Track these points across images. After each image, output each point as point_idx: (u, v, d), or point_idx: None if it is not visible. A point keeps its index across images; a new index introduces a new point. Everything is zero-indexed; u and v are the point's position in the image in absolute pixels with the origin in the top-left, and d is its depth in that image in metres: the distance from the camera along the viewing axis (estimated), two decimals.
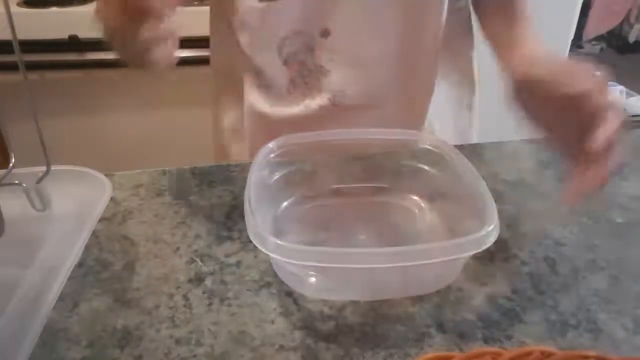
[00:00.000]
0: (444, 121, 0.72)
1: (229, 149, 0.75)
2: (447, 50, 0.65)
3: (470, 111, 0.75)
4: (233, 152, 0.74)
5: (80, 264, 0.42)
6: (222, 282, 0.41)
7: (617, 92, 2.16)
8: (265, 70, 0.63)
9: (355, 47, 0.61)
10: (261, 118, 0.67)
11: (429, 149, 0.49)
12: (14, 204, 0.43)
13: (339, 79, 0.63)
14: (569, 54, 1.55)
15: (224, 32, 0.67)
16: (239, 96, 0.69)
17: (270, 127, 0.67)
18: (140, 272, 0.42)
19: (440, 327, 0.37)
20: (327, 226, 0.47)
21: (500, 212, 0.40)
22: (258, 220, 0.37)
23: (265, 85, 0.64)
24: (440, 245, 0.36)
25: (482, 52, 0.64)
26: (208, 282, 0.41)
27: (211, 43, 0.71)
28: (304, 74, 0.63)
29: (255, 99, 0.66)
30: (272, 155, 0.48)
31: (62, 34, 1.29)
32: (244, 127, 0.70)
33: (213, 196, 0.52)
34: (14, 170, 0.41)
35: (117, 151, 1.47)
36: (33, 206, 0.44)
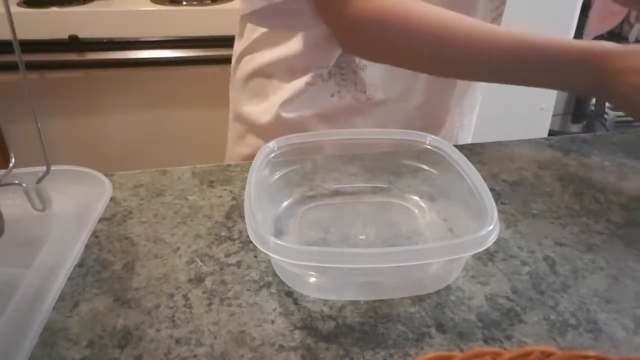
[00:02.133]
0: (466, 119, 0.73)
1: (243, 141, 0.72)
2: None
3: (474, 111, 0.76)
4: (249, 144, 0.71)
5: (80, 264, 0.42)
6: (222, 282, 0.41)
7: None
8: (307, 53, 0.62)
9: None
10: (290, 111, 0.65)
11: (429, 149, 0.49)
12: (14, 204, 0.43)
13: (374, 73, 0.63)
14: None
15: None
16: (268, 90, 0.67)
17: (297, 121, 0.66)
18: (140, 272, 0.42)
19: (440, 327, 0.37)
20: (327, 226, 0.47)
21: (500, 212, 0.40)
22: (258, 220, 0.37)
23: (302, 69, 0.63)
24: (440, 245, 0.36)
25: None
26: (208, 282, 0.41)
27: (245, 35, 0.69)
28: (342, 66, 0.63)
29: (288, 88, 0.65)
30: (272, 155, 0.48)
31: (62, 34, 1.29)
32: (267, 120, 0.68)
33: (213, 196, 0.52)
34: (14, 170, 0.41)
35: (117, 151, 1.47)
36: (33, 206, 0.44)
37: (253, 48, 0.67)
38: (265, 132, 0.67)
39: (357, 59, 0.62)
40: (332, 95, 0.65)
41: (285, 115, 0.65)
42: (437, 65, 0.53)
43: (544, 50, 0.48)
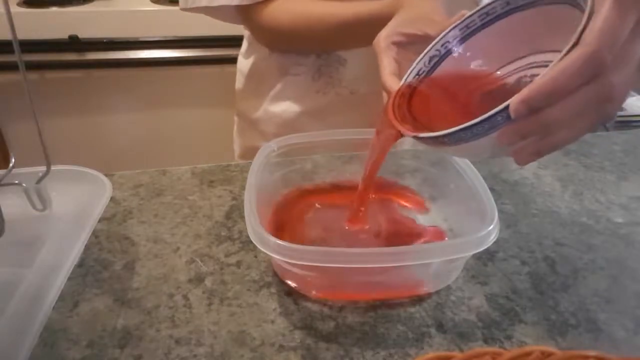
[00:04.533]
0: None
1: (243, 133, 0.78)
2: None
3: None
4: (247, 136, 0.77)
5: (80, 264, 0.42)
6: (222, 282, 0.41)
7: None
8: (299, 56, 0.66)
9: None
10: (281, 114, 0.70)
11: (429, 149, 0.49)
12: (14, 204, 0.43)
13: (355, 67, 0.65)
14: None
15: None
16: (264, 92, 0.71)
17: (287, 122, 0.69)
18: (140, 272, 0.42)
19: (440, 327, 0.37)
20: (327, 225, 0.47)
21: (500, 212, 0.40)
22: (258, 220, 0.37)
23: (294, 72, 0.67)
24: (440, 245, 0.36)
25: None
26: (208, 282, 0.41)
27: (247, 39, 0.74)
28: (330, 63, 0.66)
29: (276, 84, 0.69)
30: (272, 155, 0.48)
31: (62, 34, 1.29)
32: (258, 115, 0.73)
33: (213, 196, 0.52)
34: (14, 170, 0.41)
35: (117, 151, 1.47)
36: (33, 206, 0.44)
37: (250, 49, 0.72)
38: (257, 126, 0.73)
39: (338, 54, 0.65)
40: (318, 92, 0.67)
41: (273, 110, 0.70)
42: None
43: (369, 16, 0.54)
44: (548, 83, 0.28)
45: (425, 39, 0.41)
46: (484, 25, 0.39)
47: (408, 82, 0.39)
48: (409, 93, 0.39)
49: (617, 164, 0.60)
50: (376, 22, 0.48)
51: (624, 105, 2.16)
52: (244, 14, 0.64)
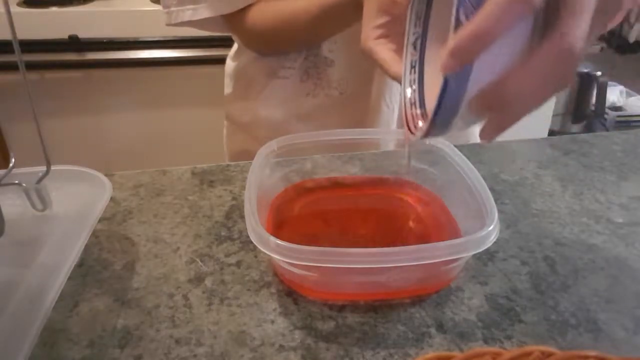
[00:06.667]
0: None
1: (233, 137, 0.78)
2: None
3: None
4: (238, 140, 0.77)
5: (80, 264, 0.42)
6: (222, 282, 0.41)
7: (617, 92, 2.16)
8: (287, 59, 0.66)
9: (351, 38, 0.62)
10: (270, 117, 0.70)
11: (429, 149, 0.49)
12: (14, 204, 0.43)
13: (343, 68, 0.65)
14: None
15: None
16: (255, 95, 0.71)
17: (277, 125, 0.69)
18: (140, 272, 0.42)
19: (440, 327, 0.37)
20: (328, 222, 0.47)
21: (500, 212, 0.40)
22: (258, 220, 0.37)
23: (282, 75, 0.67)
24: (440, 245, 0.36)
25: None
26: (208, 282, 0.41)
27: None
28: (318, 65, 0.66)
29: (265, 87, 0.69)
30: (272, 155, 0.48)
31: (62, 34, 1.29)
32: (248, 119, 0.73)
33: (213, 196, 0.52)
34: (14, 170, 0.41)
35: (117, 151, 1.47)
36: (33, 206, 0.44)
37: (238, 52, 0.72)
38: (248, 130, 0.73)
39: (325, 56, 0.65)
40: (307, 94, 0.67)
41: (263, 114, 0.70)
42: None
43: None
44: (472, 25, 0.25)
45: (400, 16, 0.39)
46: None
47: (409, 80, 0.38)
48: (419, 96, 0.38)
49: (617, 164, 0.60)
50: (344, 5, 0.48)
51: (624, 105, 2.16)
52: (228, 22, 0.64)
